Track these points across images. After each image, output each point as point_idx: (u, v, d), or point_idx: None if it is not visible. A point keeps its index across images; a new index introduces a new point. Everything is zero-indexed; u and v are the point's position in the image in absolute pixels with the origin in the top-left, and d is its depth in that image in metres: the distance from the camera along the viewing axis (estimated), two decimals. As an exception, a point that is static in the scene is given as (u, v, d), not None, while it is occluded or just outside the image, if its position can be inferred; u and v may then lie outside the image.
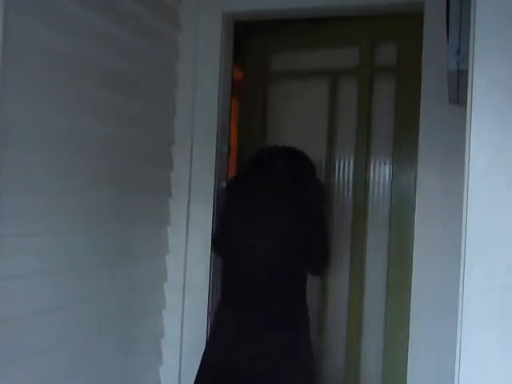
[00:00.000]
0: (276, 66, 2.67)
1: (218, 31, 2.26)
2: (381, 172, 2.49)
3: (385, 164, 2.48)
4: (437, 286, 1.93)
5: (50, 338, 1.67)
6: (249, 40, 2.65)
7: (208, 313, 2.23)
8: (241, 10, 2.27)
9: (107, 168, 1.92)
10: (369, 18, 2.45)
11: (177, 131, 2.27)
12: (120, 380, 2.03)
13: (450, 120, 1.90)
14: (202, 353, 2.19)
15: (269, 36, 2.61)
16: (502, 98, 0.95)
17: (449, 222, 1.91)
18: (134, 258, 2.08)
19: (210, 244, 2.24)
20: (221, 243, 2.18)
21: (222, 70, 2.27)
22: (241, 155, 2.67)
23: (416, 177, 2.03)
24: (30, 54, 1.56)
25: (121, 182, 1.99)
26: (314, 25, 2.50)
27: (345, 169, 2.57)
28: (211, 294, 2.24)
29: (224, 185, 2.30)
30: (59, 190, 1.69)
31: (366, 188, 2.53)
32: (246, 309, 1.99)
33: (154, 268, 2.22)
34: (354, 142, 2.53)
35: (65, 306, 1.73)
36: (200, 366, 2.05)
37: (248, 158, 2.23)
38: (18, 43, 1.50)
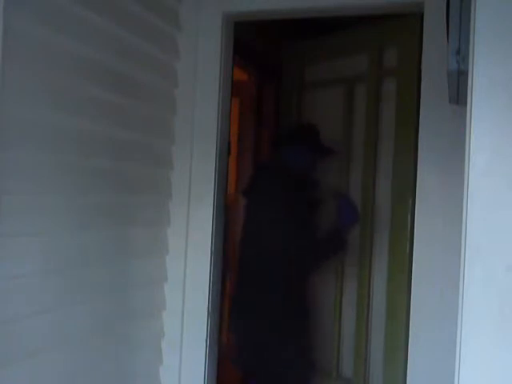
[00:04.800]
0: (307, 76, 2.96)
1: (217, 31, 2.26)
2: (385, 172, 2.51)
3: (387, 164, 2.50)
4: (437, 285, 1.93)
5: (50, 338, 1.67)
6: (287, 54, 3.03)
7: (208, 313, 2.23)
8: (241, 9, 2.27)
9: (107, 168, 1.92)
10: (371, 23, 2.50)
11: (177, 131, 2.27)
12: (120, 380, 2.03)
13: (450, 120, 1.90)
14: (201, 353, 2.21)
15: (303, 50, 2.94)
16: (501, 98, 0.95)
17: (449, 221, 1.91)
18: (134, 257, 2.08)
19: (210, 244, 2.24)
20: None
21: (222, 69, 2.27)
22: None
23: (416, 176, 2.04)
24: (30, 54, 1.56)
25: (121, 181, 1.99)
26: (329, 37, 2.78)
27: (357, 168, 2.63)
28: (211, 294, 2.24)
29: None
30: (59, 190, 1.69)
31: (373, 187, 2.56)
32: None
33: (154, 268, 2.22)
34: (363, 143, 2.60)
35: (65, 306, 1.73)
36: None
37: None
38: (19, 43, 1.50)
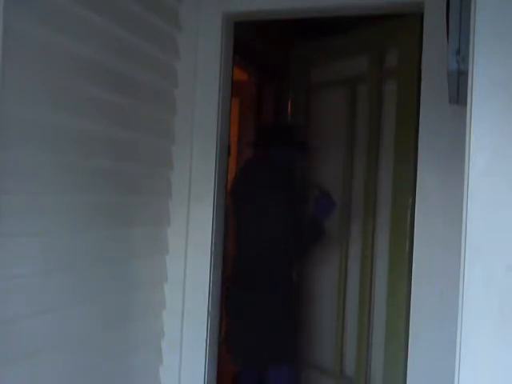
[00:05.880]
0: (313, 78, 3.02)
1: (217, 31, 2.26)
2: (386, 171, 2.52)
3: (388, 163, 2.50)
4: (437, 285, 1.93)
5: (50, 338, 1.67)
6: (293, 55, 3.09)
7: (208, 313, 2.23)
8: (241, 9, 2.27)
9: (107, 168, 1.92)
10: (371, 24, 2.52)
11: (177, 131, 2.27)
12: (120, 380, 2.03)
13: (450, 120, 1.90)
14: (201, 352, 2.22)
15: (306, 52, 3.01)
16: (501, 97, 0.95)
17: (449, 221, 1.91)
18: (134, 258, 2.08)
19: (210, 244, 2.24)
20: None
21: (222, 70, 2.27)
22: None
23: (416, 176, 2.04)
24: (30, 54, 1.56)
25: (121, 181, 1.99)
26: (331, 39, 2.84)
27: (360, 168, 2.66)
28: (211, 294, 2.25)
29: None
30: (59, 190, 1.69)
31: (375, 186, 2.56)
32: None
33: (154, 268, 2.22)
34: (367, 144, 2.62)
35: (65, 306, 1.73)
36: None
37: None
38: (19, 42, 1.50)
